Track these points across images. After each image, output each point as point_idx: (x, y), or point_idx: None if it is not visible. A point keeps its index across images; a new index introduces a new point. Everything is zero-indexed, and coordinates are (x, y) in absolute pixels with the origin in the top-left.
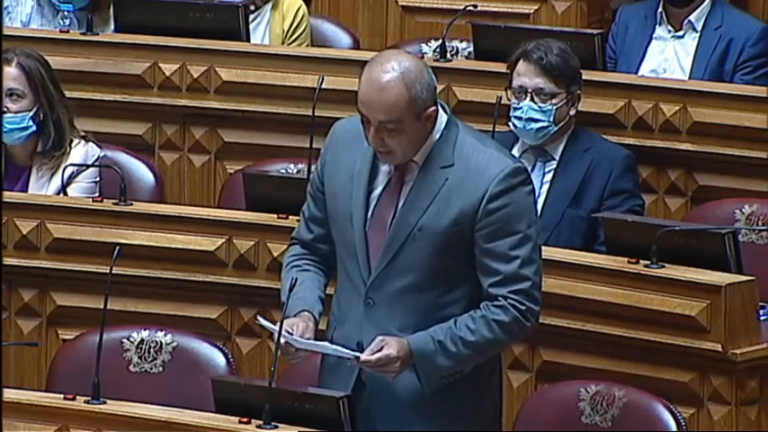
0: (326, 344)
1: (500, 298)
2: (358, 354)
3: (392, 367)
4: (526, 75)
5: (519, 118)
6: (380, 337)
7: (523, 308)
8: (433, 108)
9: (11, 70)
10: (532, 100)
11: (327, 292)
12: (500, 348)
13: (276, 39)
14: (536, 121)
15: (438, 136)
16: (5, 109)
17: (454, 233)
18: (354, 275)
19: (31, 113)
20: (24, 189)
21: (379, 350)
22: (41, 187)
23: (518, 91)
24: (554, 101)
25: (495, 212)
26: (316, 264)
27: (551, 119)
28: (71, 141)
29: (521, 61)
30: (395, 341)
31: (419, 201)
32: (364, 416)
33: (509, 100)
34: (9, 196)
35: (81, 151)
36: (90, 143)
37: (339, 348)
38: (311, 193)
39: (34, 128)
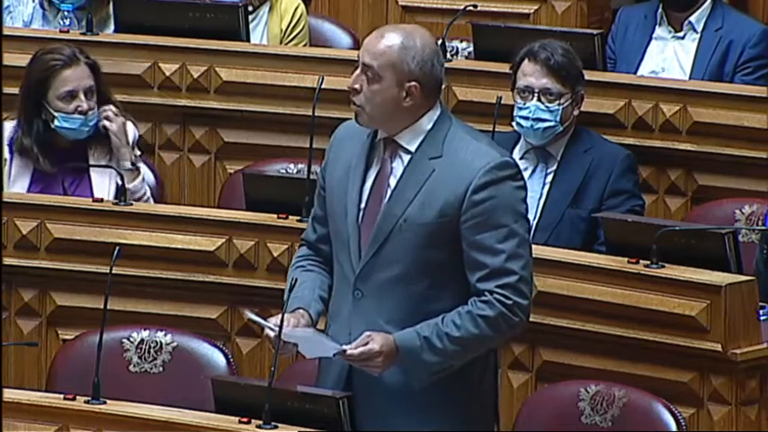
0: (311, 334)
1: (486, 293)
2: (343, 347)
3: (375, 362)
4: (533, 75)
5: (526, 118)
6: (366, 333)
7: (510, 302)
8: (416, 84)
9: (84, 69)
10: (539, 100)
11: None
12: (489, 344)
13: (274, 39)
14: (543, 121)
15: (430, 126)
16: (85, 107)
17: (440, 225)
18: (346, 267)
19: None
20: (83, 170)
21: (364, 345)
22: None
23: (524, 91)
24: (561, 101)
25: (480, 204)
26: (320, 264)
27: (558, 119)
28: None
29: (526, 61)
30: (380, 336)
31: (405, 192)
32: (355, 414)
33: (514, 100)
34: (9, 196)
35: (131, 128)
36: (129, 121)
37: (324, 341)
38: (317, 193)
39: (97, 120)
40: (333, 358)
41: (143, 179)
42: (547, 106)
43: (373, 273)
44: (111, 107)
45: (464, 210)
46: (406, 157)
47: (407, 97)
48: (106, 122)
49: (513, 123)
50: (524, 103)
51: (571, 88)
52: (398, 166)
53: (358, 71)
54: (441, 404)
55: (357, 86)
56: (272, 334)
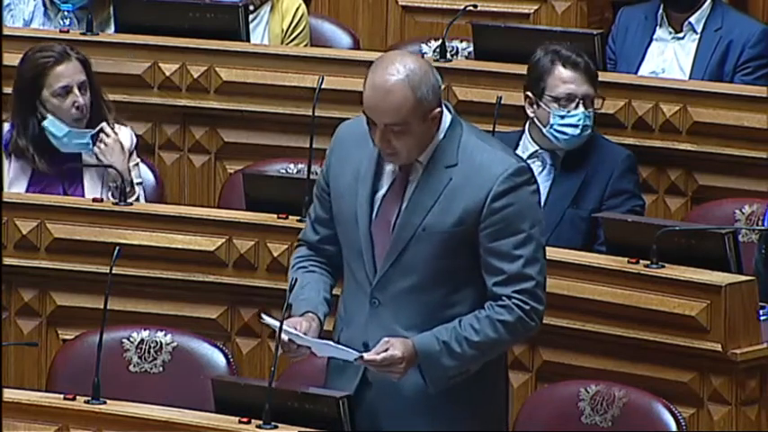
0: (329, 342)
1: (504, 298)
2: (362, 353)
3: (396, 368)
4: (573, 82)
5: (574, 126)
6: (385, 338)
7: (527, 307)
8: (439, 109)
9: (76, 64)
10: (584, 107)
11: (334, 292)
12: (505, 348)
13: (275, 39)
14: (588, 128)
15: (442, 136)
16: (81, 101)
17: (458, 232)
18: (360, 276)
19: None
20: (78, 176)
21: (384, 351)
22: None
23: (566, 99)
24: (594, 106)
25: (499, 212)
26: (322, 265)
27: (593, 123)
28: (112, 126)
29: (561, 68)
30: (399, 342)
31: (423, 200)
32: (369, 416)
33: (546, 107)
34: (9, 196)
35: (126, 132)
36: (122, 125)
37: (342, 347)
38: (317, 194)
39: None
40: (353, 362)
41: (137, 198)
42: (589, 113)
43: (391, 282)
44: (104, 135)
45: (483, 217)
46: (420, 166)
47: (433, 122)
48: (96, 149)
49: (549, 131)
50: (568, 111)
51: (596, 92)
52: (413, 176)
53: (379, 133)
54: (455, 405)
55: (386, 145)
56: (285, 338)
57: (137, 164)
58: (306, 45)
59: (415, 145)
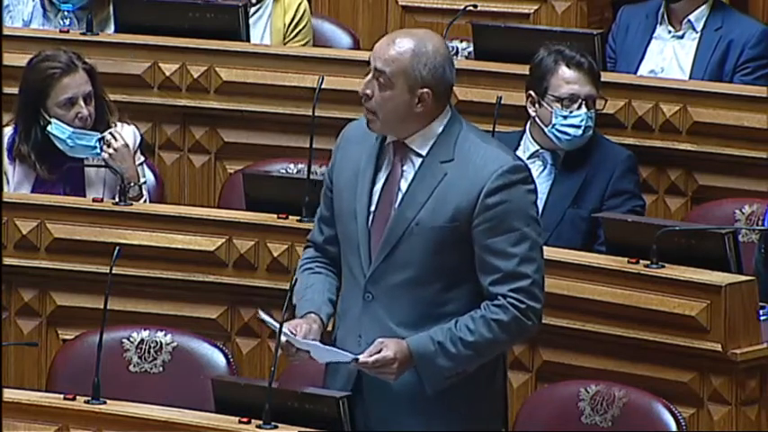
0: (323, 346)
1: (500, 297)
2: (356, 356)
3: (390, 369)
4: (577, 82)
5: (577, 126)
6: (379, 339)
7: (523, 306)
8: (428, 91)
9: (82, 75)
10: (587, 107)
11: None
12: (502, 348)
13: (277, 33)
14: (590, 128)
15: (441, 129)
16: (85, 113)
17: (452, 229)
18: (355, 270)
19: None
20: (80, 184)
21: (378, 352)
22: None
23: (569, 99)
24: (596, 106)
25: (493, 208)
26: (328, 266)
27: (594, 124)
28: (114, 125)
29: (565, 68)
30: (393, 343)
31: (417, 195)
32: (364, 416)
33: (548, 107)
34: (9, 196)
35: (129, 131)
36: (125, 123)
37: (338, 351)
38: (323, 193)
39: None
40: (350, 365)
41: (144, 200)
42: (591, 113)
43: (384, 276)
44: (112, 139)
45: (476, 213)
46: (417, 161)
47: (419, 103)
48: (105, 155)
49: (551, 131)
50: (570, 112)
51: (599, 93)
52: (409, 170)
53: (369, 76)
54: (450, 405)
55: (369, 92)
56: (283, 339)
57: (141, 163)
58: (308, 41)
59: (392, 111)
